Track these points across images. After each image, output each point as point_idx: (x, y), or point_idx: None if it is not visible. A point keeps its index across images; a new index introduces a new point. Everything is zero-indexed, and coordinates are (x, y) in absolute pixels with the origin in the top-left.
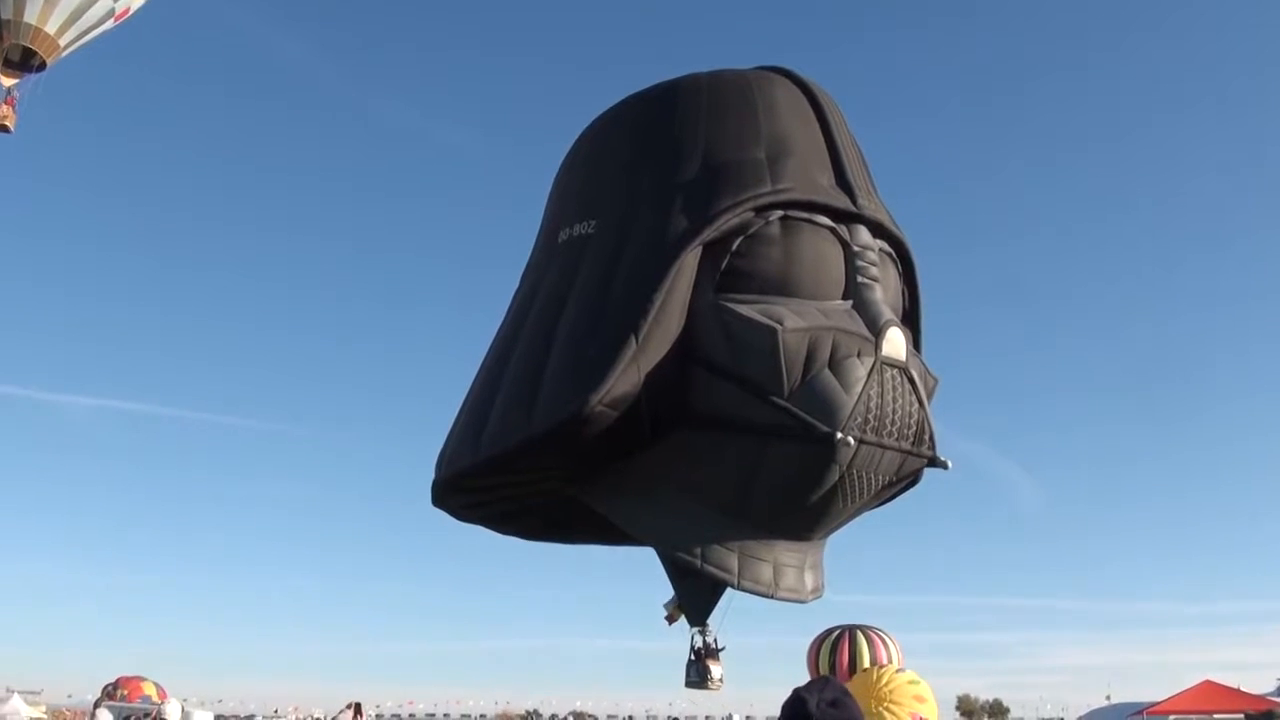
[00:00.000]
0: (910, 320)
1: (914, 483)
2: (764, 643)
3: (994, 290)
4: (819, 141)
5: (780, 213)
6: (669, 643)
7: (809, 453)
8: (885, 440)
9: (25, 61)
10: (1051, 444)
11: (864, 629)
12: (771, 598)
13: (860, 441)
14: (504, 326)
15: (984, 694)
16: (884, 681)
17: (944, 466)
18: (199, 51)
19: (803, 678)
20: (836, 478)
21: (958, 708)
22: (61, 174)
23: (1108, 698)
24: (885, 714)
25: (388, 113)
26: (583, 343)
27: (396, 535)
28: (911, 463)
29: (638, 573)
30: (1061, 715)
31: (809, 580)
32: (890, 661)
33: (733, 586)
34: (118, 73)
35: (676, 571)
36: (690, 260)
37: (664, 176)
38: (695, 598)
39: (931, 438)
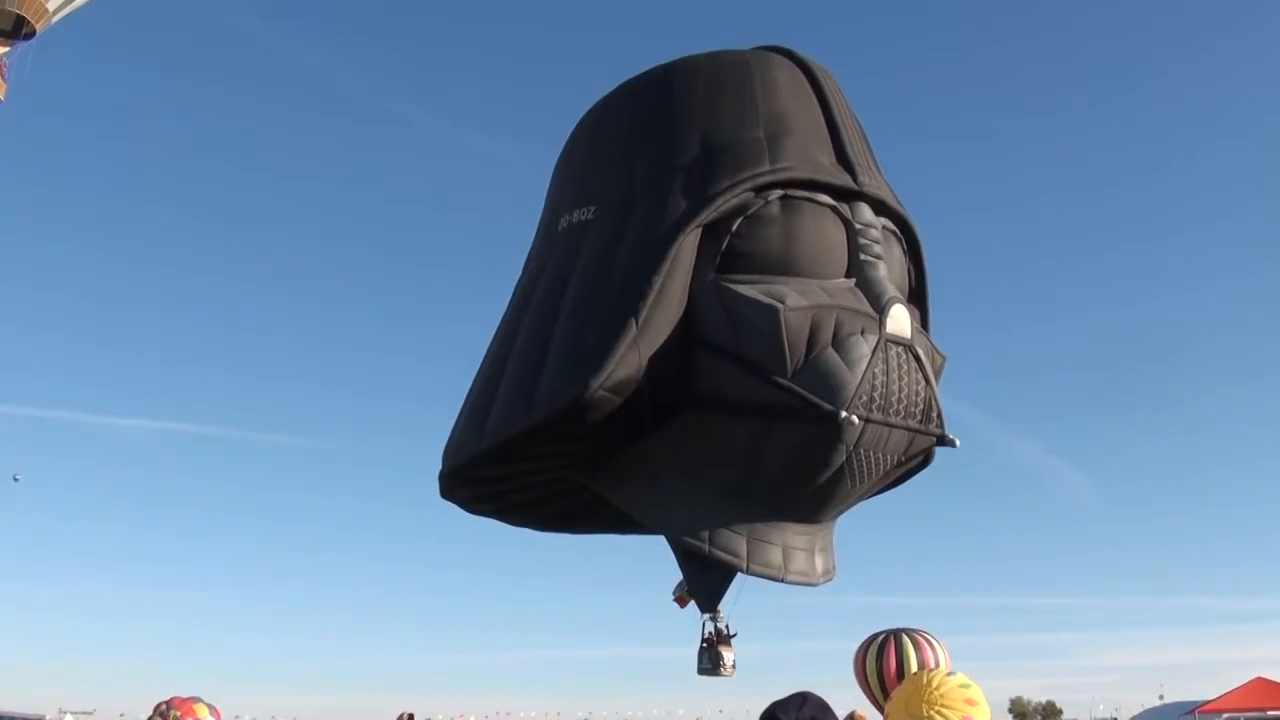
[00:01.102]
0: (917, 298)
1: (925, 463)
2: (813, 648)
3: (1043, 285)
4: (819, 120)
5: (780, 192)
6: (752, 647)
7: (814, 433)
8: (892, 419)
9: (15, 30)
10: (1099, 439)
11: (909, 632)
12: (782, 581)
13: (866, 420)
14: (506, 316)
15: (1037, 696)
16: (935, 685)
17: (952, 444)
18: (230, 64)
19: (850, 683)
20: (843, 458)
21: (1010, 710)
22: (75, 171)
23: (1160, 697)
24: (936, 718)
25: (451, 131)
26: (583, 328)
27: (447, 546)
28: (920, 441)
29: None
30: (1115, 715)
31: (819, 563)
32: (938, 665)
33: (742, 571)
34: (141, 79)
35: (686, 557)
36: (690, 242)
37: (662, 160)
38: (705, 584)
39: (939, 415)
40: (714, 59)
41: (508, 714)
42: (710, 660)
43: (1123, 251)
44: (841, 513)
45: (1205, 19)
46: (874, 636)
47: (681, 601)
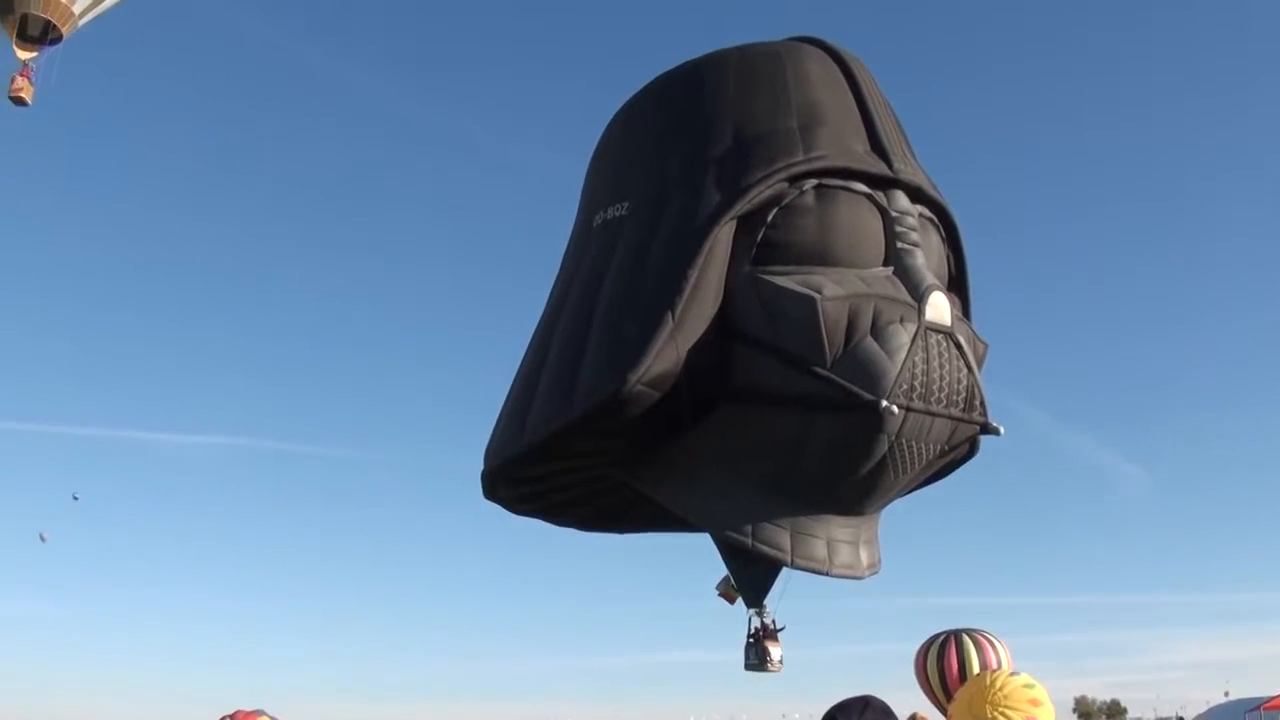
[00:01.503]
0: (958, 287)
1: (971, 453)
2: (873, 651)
3: (1095, 276)
4: (852, 109)
5: (814, 181)
6: (815, 651)
7: (855, 423)
8: (934, 407)
9: (43, 35)
10: (1155, 432)
11: (969, 632)
12: (827, 575)
13: (907, 409)
14: (544, 315)
15: (1101, 695)
16: (998, 685)
17: (996, 432)
18: (265, 81)
19: (912, 684)
20: (885, 448)
21: (1075, 710)
22: (106, 179)
23: (1226, 693)
24: (1000, 719)
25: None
26: (620, 324)
27: (538, 552)
28: (963, 430)
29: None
30: (1180, 713)
31: (865, 556)
32: (1000, 665)
33: (786, 565)
34: (169, 89)
35: (730, 553)
36: (724, 234)
37: (695, 153)
38: (750, 578)
39: (982, 403)
40: (744, 51)
41: (612, 718)
42: (757, 656)
43: (1177, 240)
44: (886, 504)
45: None
46: (934, 637)
47: (728, 597)
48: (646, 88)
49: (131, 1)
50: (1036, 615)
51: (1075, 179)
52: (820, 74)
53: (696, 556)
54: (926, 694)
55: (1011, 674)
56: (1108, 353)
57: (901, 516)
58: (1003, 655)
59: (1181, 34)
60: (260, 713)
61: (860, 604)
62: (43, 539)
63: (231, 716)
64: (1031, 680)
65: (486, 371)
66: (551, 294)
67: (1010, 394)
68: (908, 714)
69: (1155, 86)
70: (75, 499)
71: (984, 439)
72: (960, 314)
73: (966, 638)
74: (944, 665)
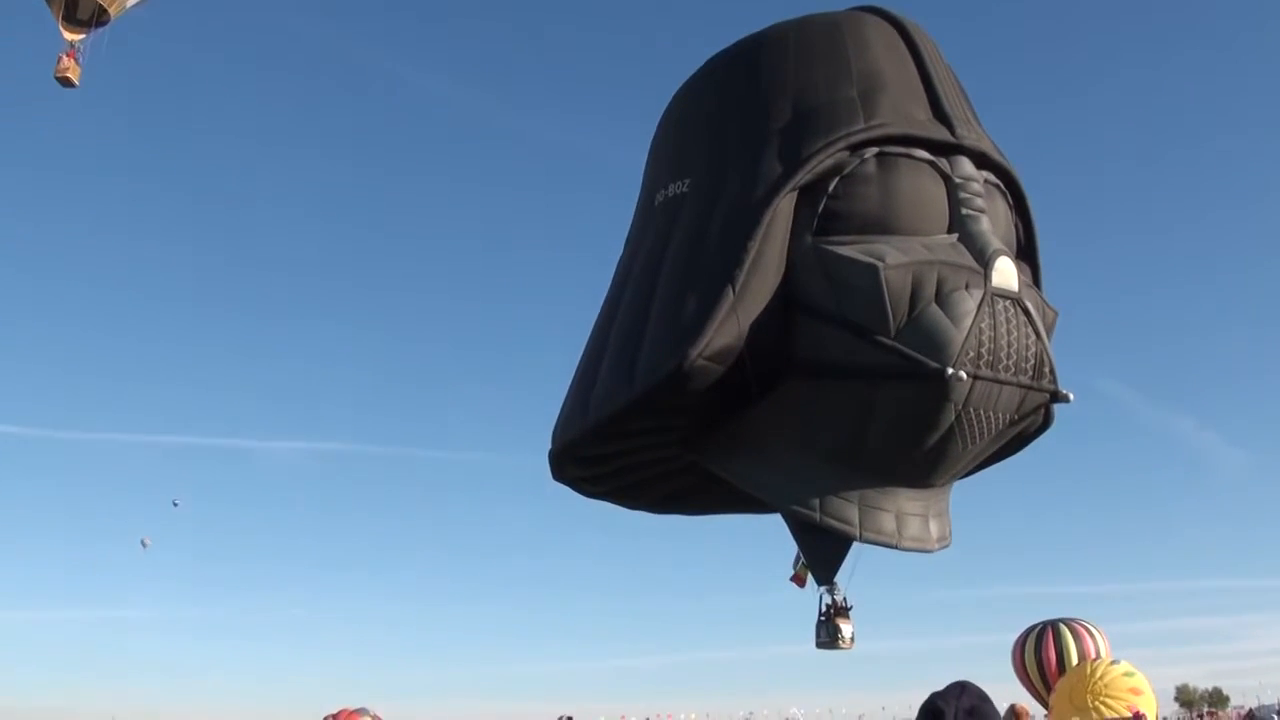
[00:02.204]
0: (1027, 255)
1: (1045, 425)
2: (970, 642)
3: (1195, 261)
4: (913, 76)
5: (876, 149)
6: (875, 644)
7: (921, 392)
8: (1001, 375)
9: (91, 18)
10: (1253, 411)
11: (1067, 622)
12: (896, 548)
13: (974, 377)
14: (609, 294)
15: (1203, 682)
16: (1098, 675)
17: (1065, 399)
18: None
19: (1009, 676)
20: (952, 417)
21: (1176, 699)
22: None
23: None
24: (1102, 708)
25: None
26: (680, 299)
27: (604, 552)
28: (1033, 398)
29: (884, 573)
30: None
31: (934, 529)
32: (1099, 654)
33: (855, 539)
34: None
35: (800, 529)
36: (785, 206)
37: (755, 127)
38: (820, 555)
39: (1052, 370)
40: (803, 24)
41: (669, 715)
42: (828, 633)
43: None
44: (957, 476)
45: None
46: (1031, 628)
47: (799, 580)
48: (706, 66)
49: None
50: (1136, 601)
51: (1216, 176)
52: (880, 42)
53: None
54: (1025, 685)
55: (1112, 663)
56: (1209, 337)
57: (995, 504)
58: (1101, 644)
59: None
60: (363, 711)
61: (954, 594)
62: (144, 545)
63: (335, 716)
64: (1132, 669)
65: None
66: (615, 274)
67: (1110, 378)
68: (1005, 706)
69: None
70: (175, 505)
71: (1061, 411)
72: (1029, 281)
73: (1064, 627)
74: (1042, 656)
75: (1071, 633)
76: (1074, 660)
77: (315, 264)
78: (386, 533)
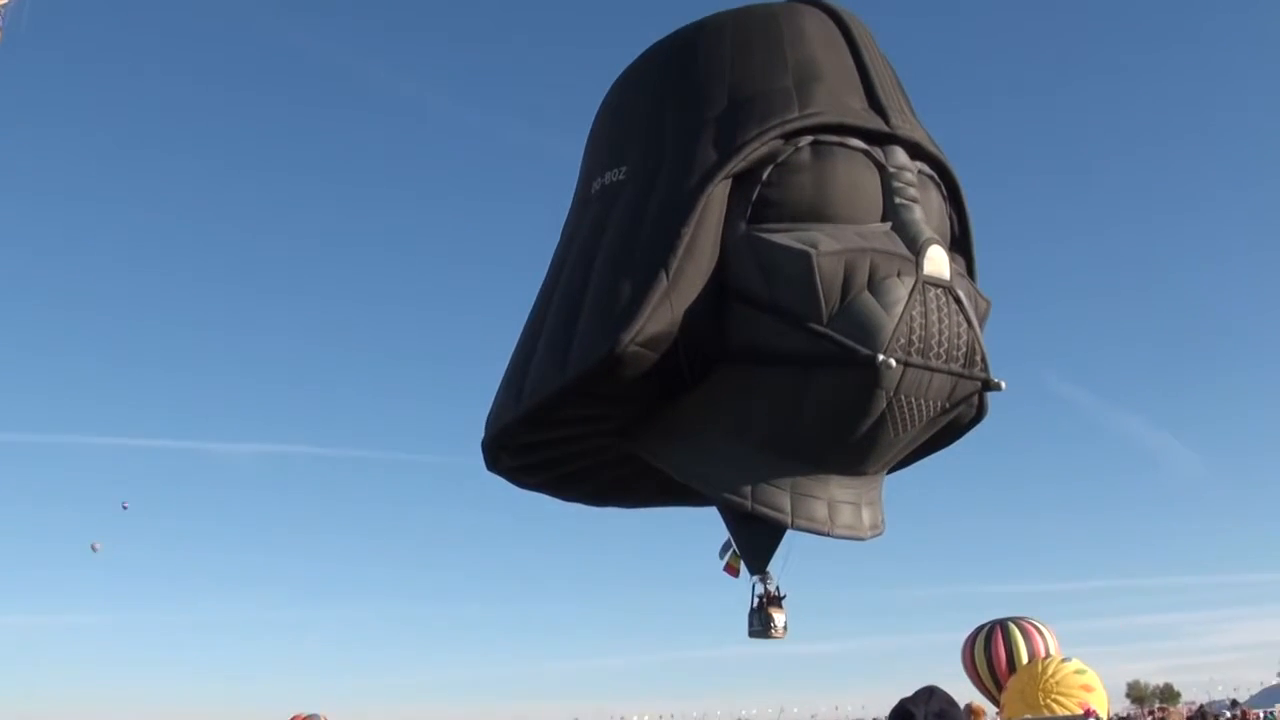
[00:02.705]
0: (962, 247)
1: (979, 416)
2: (926, 640)
3: (1143, 264)
4: (849, 66)
5: (810, 138)
6: (827, 644)
7: (852, 379)
8: (933, 362)
9: None
10: (1206, 411)
11: (1015, 621)
12: (828, 535)
13: (905, 364)
14: (544, 283)
15: (1154, 678)
16: (1050, 673)
17: (997, 388)
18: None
19: (960, 674)
20: (884, 404)
21: (1128, 695)
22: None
23: (1279, 675)
24: (1054, 705)
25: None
26: (614, 285)
27: (588, 552)
28: (964, 386)
29: (837, 574)
30: (1234, 695)
31: (867, 516)
32: (1048, 652)
33: (787, 526)
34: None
35: (733, 518)
36: (719, 193)
37: (691, 116)
38: (753, 544)
39: (984, 359)
40: (741, 14)
41: (671, 716)
42: (761, 622)
43: (1234, 233)
44: (890, 464)
45: None
46: (980, 627)
47: (732, 570)
48: (643, 55)
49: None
50: (1088, 599)
51: (1105, 138)
52: (817, 33)
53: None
54: (976, 684)
55: (1063, 660)
56: (1160, 336)
57: (944, 503)
58: (1050, 642)
59: None
60: (315, 717)
61: (904, 593)
62: (94, 549)
63: None
64: (1083, 666)
65: None
66: (551, 262)
67: (1061, 377)
68: (961, 705)
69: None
70: (124, 508)
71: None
72: (963, 272)
73: (1013, 626)
74: (992, 655)
75: (1020, 631)
76: (1023, 659)
77: (268, 266)
78: (345, 535)
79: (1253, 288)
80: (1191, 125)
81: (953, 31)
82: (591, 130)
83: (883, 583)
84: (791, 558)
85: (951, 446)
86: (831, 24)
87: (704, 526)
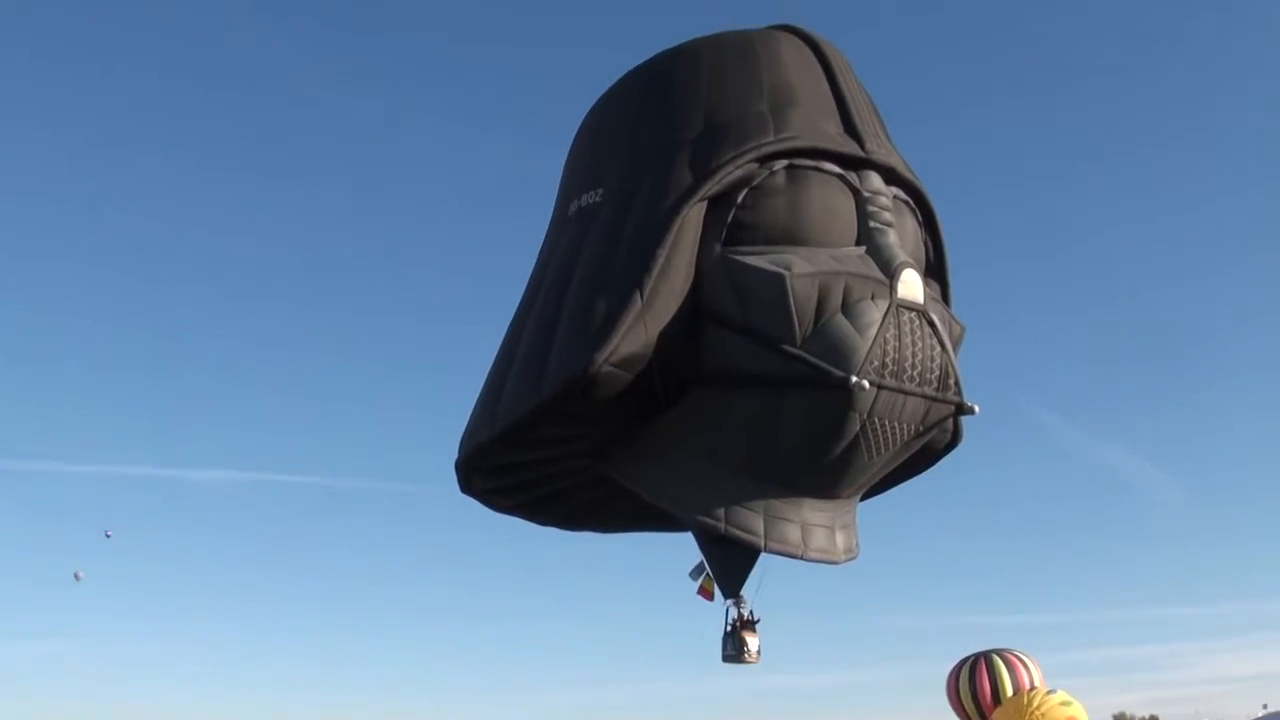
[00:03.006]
0: (937, 272)
1: (954, 442)
2: (910, 671)
3: (1127, 285)
4: (825, 92)
5: (785, 162)
6: (804, 677)
7: (826, 401)
8: (906, 385)
9: None
10: (1187, 439)
11: (999, 653)
12: (801, 558)
13: (879, 386)
14: (520, 304)
15: (1140, 710)
16: (1035, 705)
17: (971, 412)
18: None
19: (945, 708)
20: (857, 427)
21: None
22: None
23: (1265, 706)
24: None
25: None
26: (590, 305)
27: (531, 578)
28: (938, 409)
29: (816, 603)
30: None
31: (840, 540)
32: (1033, 684)
33: (760, 549)
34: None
35: (707, 541)
36: (694, 215)
37: (667, 138)
38: (727, 567)
39: (957, 382)
40: (718, 40)
41: None
42: (734, 647)
43: (1209, 246)
44: (864, 488)
45: None
46: (964, 660)
47: (706, 593)
48: (622, 79)
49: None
50: (1073, 631)
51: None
52: (793, 59)
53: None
54: (961, 718)
55: (1048, 692)
56: (1136, 362)
57: (924, 532)
58: (1035, 674)
59: None
60: None
61: (891, 622)
62: (77, 578)
63: None
64: (1069, 698)
65: None
66: (528, 284)
67: (1039, 406)
68: None
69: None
70: (107, 536)
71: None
72: (938, 297)
73: (997, 658)
74: (976, 687)
75: (1005, 663)
76: (1008, 691)
77: (244, 287)
78: (320, 563)
79: (1229, 302)
80: (1190, 125)
81: (923, 45)
82: (569, 153)
83: (864, 612)
84: (774, 586)
85: (932, 471)
86: (808, 51)
87: (678, 549)
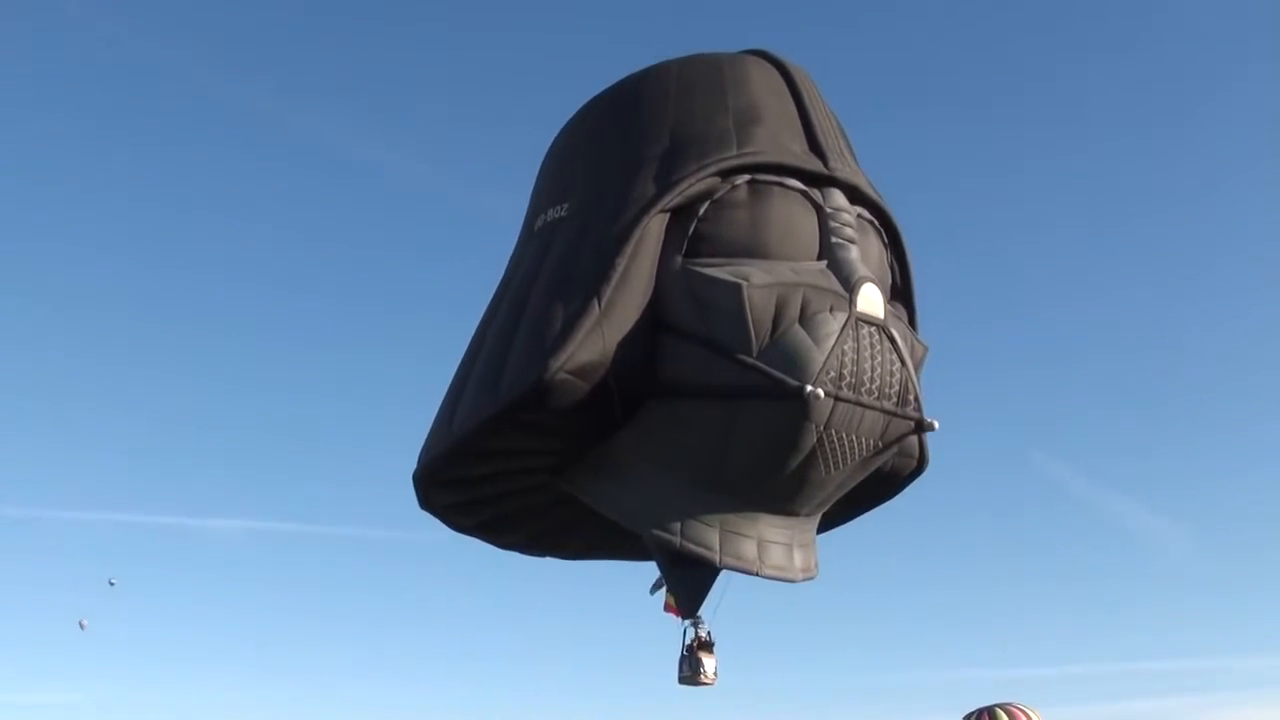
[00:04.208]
0: (904, 297)
1: (920, 468)
2: None
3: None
4: (792, 113)
5: (747, 176)
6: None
7: (781, 411)
8: (864, 398)
9: None
10: (1197, 491)
11: (1004, 706)
12: (758, 575)
13: (836, 398)
14: (482, 318)
15: None
16: None
17: (930, 428)
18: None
19: None
20: (814, 439)
21: None
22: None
23: None
24: None
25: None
26: (547, 314)
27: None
28: (896, 425)
29: (813, 658)
30: None
31: (799, 559)
32: None
33: (714, 564)
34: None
35: (666, 560)
36: (655, 227)
37: (632, 154)
38: (686, 587)
39: (917, 399)
40: (687, 61)
41: None
42: (690, 667)
43: (1220, 297)
44: (823, 506)
45: None
46: (970, 713)
47: (673, 609)
48: (591, 100)
49: None
50: (1079, 684)
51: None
52: (761, 80)
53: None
54: None
55: None
56: (1145, 412)
57: (930, 585)
58: None
59: None
60: None
61: (894, 678)
62: (82, 626)
63: None
64: None
65: None
66: (491, 298)
67: (1047, 457)
68: None
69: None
70: (111, 584)
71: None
72: (901, 317)
73: (1001, 712)
74: None
75: (1009, 716)
76: None
77: (257, 332)
78: (329, 614)
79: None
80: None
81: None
82: (539, 171)
83: (867, 667)
84: (746, 613)
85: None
86: (776, 74)
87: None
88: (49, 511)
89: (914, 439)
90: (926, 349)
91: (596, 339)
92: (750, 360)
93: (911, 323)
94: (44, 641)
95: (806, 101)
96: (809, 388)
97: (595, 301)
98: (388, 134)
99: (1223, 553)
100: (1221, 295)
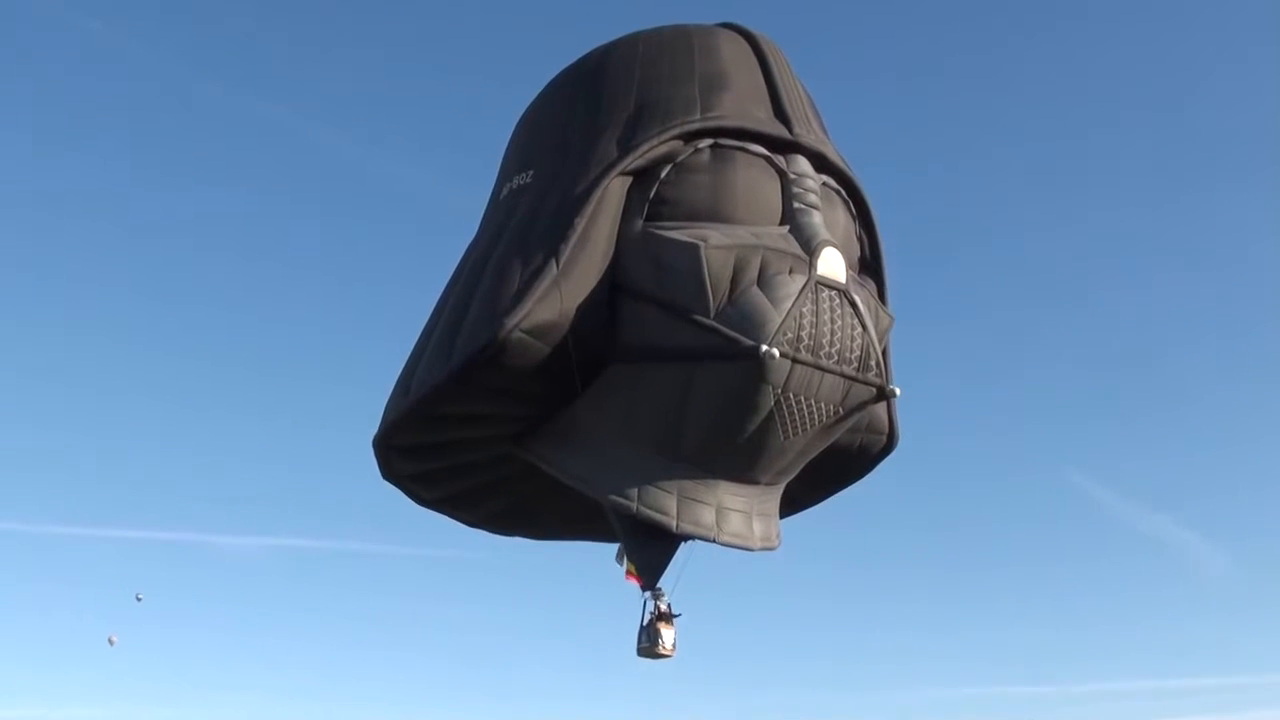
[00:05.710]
0: (872, 270)
1: (889, 446)
2: None
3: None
4: (759, 82)
5: (710, 141)
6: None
7: (738, 372)
8: (823, 361)
9: None
10: (1231, 508)
11: None
12: (714, 541)
13: (793, 360)
14: (446, 284)
15: None
16: None
17: (892, 395)
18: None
19: None
20: (771, 401)
21: None
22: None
23: None
24: None
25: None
26: (504, 274)
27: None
28: (857, 391)
29: (849, 675)
30: None
31: (758, 527)
32: None
33: (671, 530)
34: None
35: (627, 528)
36: (616, 189)
37: (597, 120)
38: (646, 558)
39: (879, 364)
40: (655, 32)
41: None
42: (649, 639)
43: (1250, 313)
44: (781, 473)
45: None
46: None
47: (634, 577)
48: (561, 71)
49: None
50: (1114, 700)
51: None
52: (729, 50)
53: None
54: None
55: None
56: (1180, 427)
57: (975, 603)
58: None
59: None
60: None
61: (929, 694)
62: (111, 643)
63: None
64: None
65: None
66: (456, 266)
67: (1081, 474)
68: None
69: None
70: (139, 600)
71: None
72: (873, 294)
73: None
74: None
75: None
76: None
77: (278, 355)
78: (352, 631)
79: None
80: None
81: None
82: (508, 142)
83: (898, 685)
84: (702, 580)
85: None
86: (745, 44)
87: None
88: (75, 529)
89: (883, 415)
90: (892, 319)
91: (554, 298)
92: (707, 321)
93: (882, 298)
94: (67, 658)
95: (775, 71)
96: (764, 347)
97: (553, 261)
98: (384, 134)
99: (1259, 568)
100: (1255, 305)
